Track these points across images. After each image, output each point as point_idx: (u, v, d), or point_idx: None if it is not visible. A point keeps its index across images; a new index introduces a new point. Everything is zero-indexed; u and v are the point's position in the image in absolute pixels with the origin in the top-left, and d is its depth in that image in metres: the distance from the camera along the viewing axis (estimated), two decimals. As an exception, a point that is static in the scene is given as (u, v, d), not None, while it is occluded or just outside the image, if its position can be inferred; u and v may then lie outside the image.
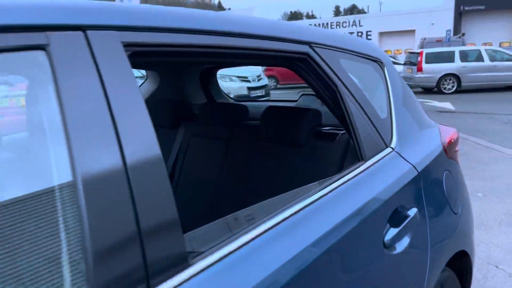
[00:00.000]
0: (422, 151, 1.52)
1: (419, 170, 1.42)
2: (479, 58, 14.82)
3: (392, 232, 1.21)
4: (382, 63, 1.62)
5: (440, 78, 14.94)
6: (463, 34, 21.84)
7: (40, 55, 0.71)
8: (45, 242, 0.65)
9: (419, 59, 15.26)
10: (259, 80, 10.66)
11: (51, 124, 0.70)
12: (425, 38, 21.58)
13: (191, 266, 0.77)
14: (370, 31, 34.40)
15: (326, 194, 1.10)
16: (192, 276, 0.76)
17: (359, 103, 1.34)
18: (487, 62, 14.69)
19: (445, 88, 14.96)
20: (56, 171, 0.69)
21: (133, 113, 0.77)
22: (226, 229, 0.97)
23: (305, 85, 1.39)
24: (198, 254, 0.80)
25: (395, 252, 1.22)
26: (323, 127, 1.88)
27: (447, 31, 20.58)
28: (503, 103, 11.56)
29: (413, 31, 31.47)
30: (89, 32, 0.77)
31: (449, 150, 1.72)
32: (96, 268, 0.65)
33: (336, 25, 36.03)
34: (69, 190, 0.67)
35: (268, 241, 0.91)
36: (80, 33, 0.76)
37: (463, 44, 19.45)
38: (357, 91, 1.35)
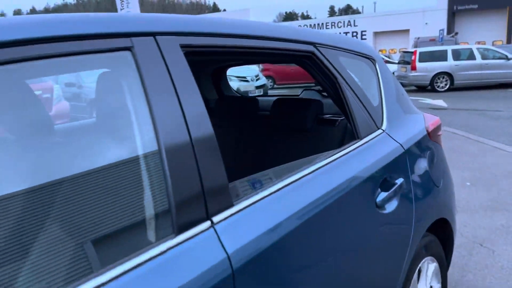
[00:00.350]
0: (408, 133, 1.82)
1: (405, 148, 1.72)
2: (471, 56, 15.16)
3: (383, 195, 1.50)
4: (374, 60, 1.92)
5: (434, 77, 15.26)
6: (456, 33, 22.22)
7: (128, 54, 0.99)
8: (140, 194, 0.94)
9: (413, 58, 15.57)
10: (257, 80, 10.96)
11: (139, 104, 0.98)
12: (418, 38, 21.96)
13: (234, 206, 1.07)
14: (365, 31, 34.77)
15: (329, 163, 1.39)
16: (235, 212, 1.06)
17: (355, 93, 1.63)
18: (479, 60, 15.02)
19: (438, 86, 15.29)
20: (143, 143, 0.98)
21: (191, 96, 1.06)
22: (255, 184, 1.26)
23: (302, 84, 1.68)
24: (238, 199, 1.10)
25: (385, 212, 1.52)
26: (325, 115, 2.18)
27: (440, 30, 20.91)
28: (494, 100, 11.91)
29: (407, 31, 31.85)
30: (157, 37, 1.06)
31: (432, 134, 2.02)
32: (176, 213, 0.94)
33: (332, 25, 36.37)
34: (154, 156, 0.96)
35: (282, 195, 1.20)
36: (151, 38, 1.05)
37: (456, 43, 19.82)
38: (353, 82, 1.65)
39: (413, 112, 2.03)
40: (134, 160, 0.96)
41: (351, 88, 1.63)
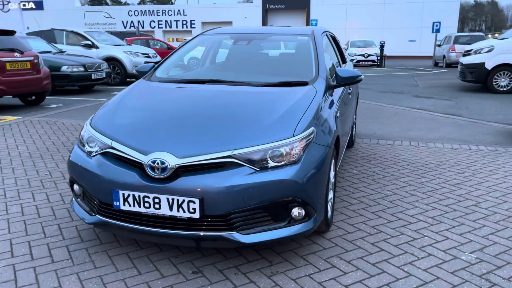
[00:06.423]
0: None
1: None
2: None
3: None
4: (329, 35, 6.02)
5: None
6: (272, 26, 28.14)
7: (310, 38, 4.83)
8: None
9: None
10: (155, 57, 14.01)
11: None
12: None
13: None
14: (194, 20, 38.85)
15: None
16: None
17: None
18: (298, 48, 20.64)
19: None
20: (333, 59, 4.84)
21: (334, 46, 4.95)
22: None
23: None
24: None
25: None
26: None
27: (257, 25, 26.33)
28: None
29: (230, 23, 37.08)
30: (314, 30, 4.92)
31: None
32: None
33: (162, 13, 39.14)
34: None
35: None
36: (317, 33, 4.89)
37: (277, 35, 25.51)
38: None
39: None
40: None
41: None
